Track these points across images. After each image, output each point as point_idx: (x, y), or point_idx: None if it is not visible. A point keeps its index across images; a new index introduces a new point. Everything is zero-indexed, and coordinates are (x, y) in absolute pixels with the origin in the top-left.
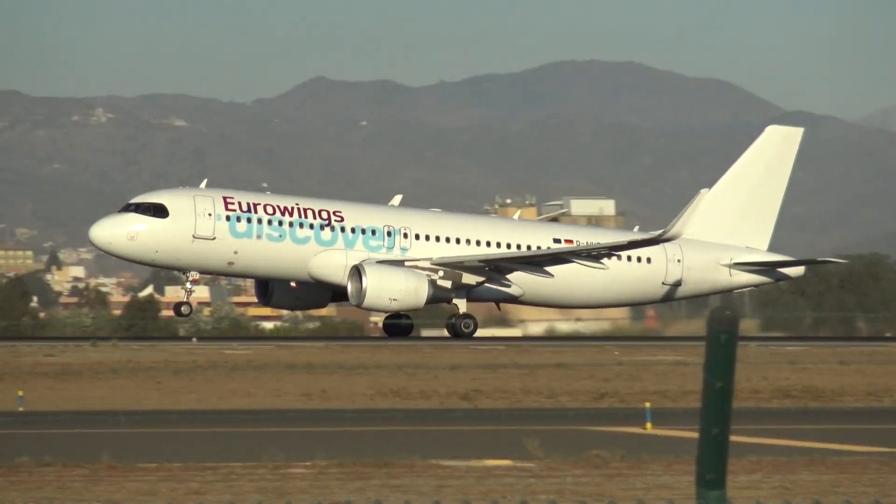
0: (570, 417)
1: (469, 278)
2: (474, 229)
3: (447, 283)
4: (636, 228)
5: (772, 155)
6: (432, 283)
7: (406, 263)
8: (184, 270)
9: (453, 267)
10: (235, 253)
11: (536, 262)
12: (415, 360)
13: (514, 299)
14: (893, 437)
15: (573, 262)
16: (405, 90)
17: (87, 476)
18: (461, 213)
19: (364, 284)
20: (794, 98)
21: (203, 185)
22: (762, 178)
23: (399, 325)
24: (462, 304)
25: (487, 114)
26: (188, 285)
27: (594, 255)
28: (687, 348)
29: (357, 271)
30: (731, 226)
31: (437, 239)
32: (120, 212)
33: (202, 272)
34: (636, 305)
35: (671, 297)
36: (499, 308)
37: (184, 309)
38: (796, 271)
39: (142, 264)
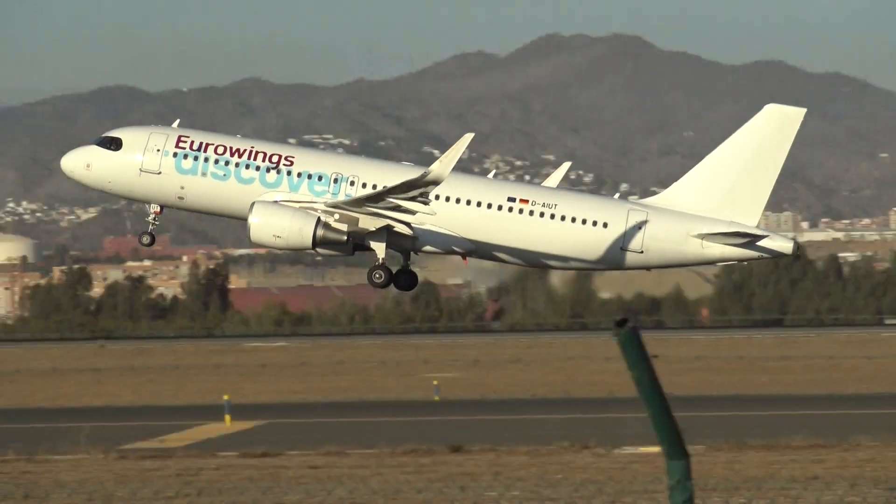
0: None
1: (367, 221)
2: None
3: (342, 226)
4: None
5: (769, 133)
6: (323, 224)
7: (299, 205)
8: (138, 201)
9: (346, 209)
10: (182, 188)
11: (379, 199)
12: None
13: (468, 252)
14: None
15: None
16: None
17: None
18: (417, 166)
19: (249, 220)
20: None
21: (175, 124)
22: (757, 155)
23: (399, 273)
24: (380, 250)
25: None
26: (150, 217)
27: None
28: None
29: (251, 208)
30: (719, 199)
31: (377, 187)
32: (89, 143)
33: (156, 204)
34: (598, 269)
35: (641, 264)
36: (465, 261)
37: (144, 239)
38: (783, 247)
39: (100, 192)
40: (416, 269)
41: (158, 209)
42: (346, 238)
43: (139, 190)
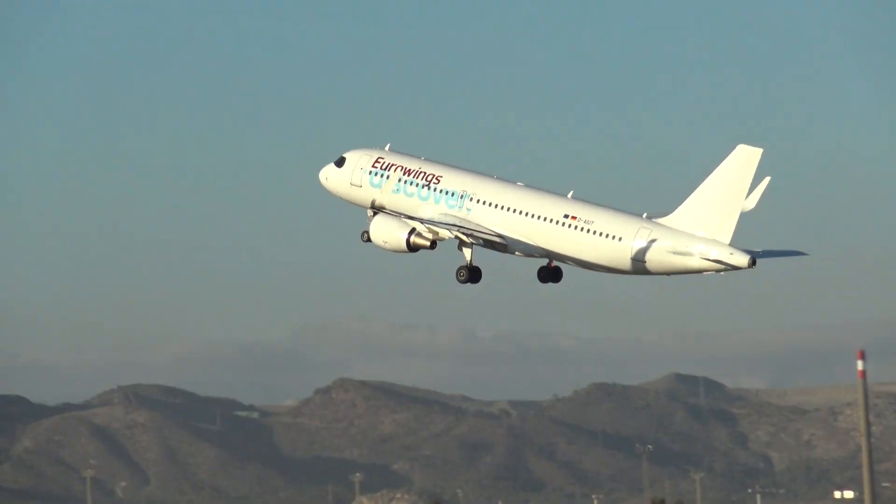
0: None
1: (444, 233)
2: (513, 200)
3: (428, 235)
4: (644, 214)
5: (738, 167)
6: (415, 232)
7: (403, 218)
8: (355, 204)
9: (434, 225)
10: (374, 200)
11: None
12: None
13: (506, 249)
14: None
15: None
16: None
17: None
18: (525, 188)
19: (369, 228)
20: None
21: (387, 147)
22: (730, 185)
23: (547, 272)
24: (467, 254)
25: None
26: (369, 213)
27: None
28: None
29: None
30: (706, 221)
31: (485, 203)
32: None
33: (365, 207)
34: (605, 271)
35: (642, 271)
36: (552, 264)
37: (364, 236)
38: (740, 261)
39: (335, 196)
40: None
41: (371, 214)
42: (430, 244)
43: (353, 197)
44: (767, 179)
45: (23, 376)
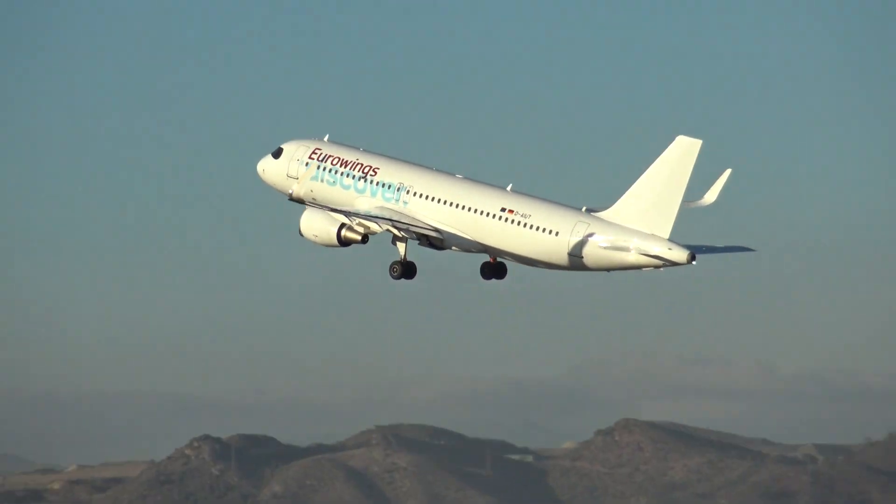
0: None
1: (375, 227)
2: (449, 192)
3: (360, 229)
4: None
5: (677, 159)
6: (346, 226)
7: (331, 212)
8: (289, 199)
9: (364, 218)
10: (311, 190)
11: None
12: None
13: (439, 246)
14: None
15: None
16: None
17: None
18: (463, 180)
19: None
20: None
21: (326, 138)
22: (670, 178)
23: (490, 268)
24: (401, 250)
25: None
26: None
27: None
28: None
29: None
30: (644, 214)
31: (422, 196)
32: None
33: (299, 201)
34: (544, 266)
35: (579, 266)
36: (493, 259)
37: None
38: (679, 257)
39: (273, 189)
40: None
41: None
42: (361, 238)
43: (289, 189)
44: (728, 172)
45: (270, 415)
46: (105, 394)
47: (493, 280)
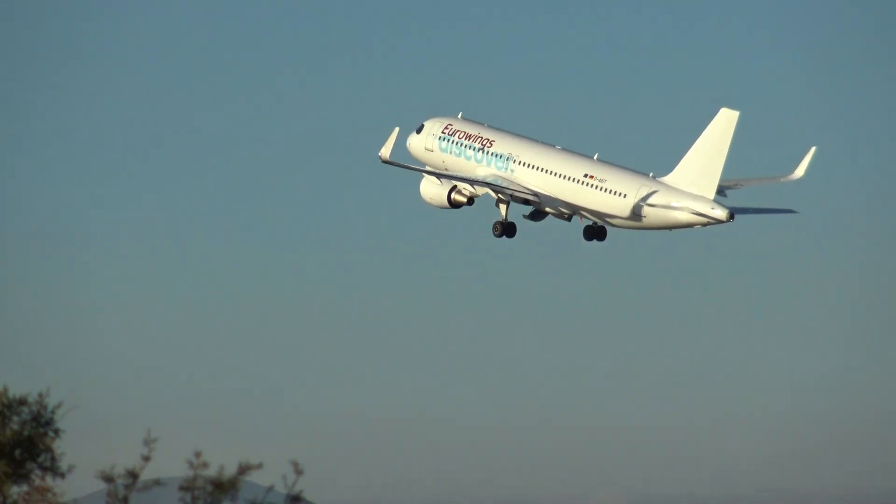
0: None
1: (480, 190)
2: (544, 161)
3: (467, 193)
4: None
5: (720, 130)
6: (456, 189)
7: (438, 178)
8: (431, 167)
9: (471, 183)
10: (443, 161)
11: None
12: None
13: (539, 205)
14: None
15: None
16: None
17: None
18: (558, 150)
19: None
20: None
21: (459, 115)
22: (713, 146)
23: (592, 229)
24: (502, 210)
25: None
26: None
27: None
28: None
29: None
30: (695, 179)
31: (525, 164)
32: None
33: (437, 171)
34: (609, 223)
35: (641, 222)
36: (580, 218)
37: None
38: (720, 215)
39: (417, 162)
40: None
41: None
42: (467, 201)
43: (428, 161)
44: (814, 149)
45: None
46: None
47: (595, 241)
